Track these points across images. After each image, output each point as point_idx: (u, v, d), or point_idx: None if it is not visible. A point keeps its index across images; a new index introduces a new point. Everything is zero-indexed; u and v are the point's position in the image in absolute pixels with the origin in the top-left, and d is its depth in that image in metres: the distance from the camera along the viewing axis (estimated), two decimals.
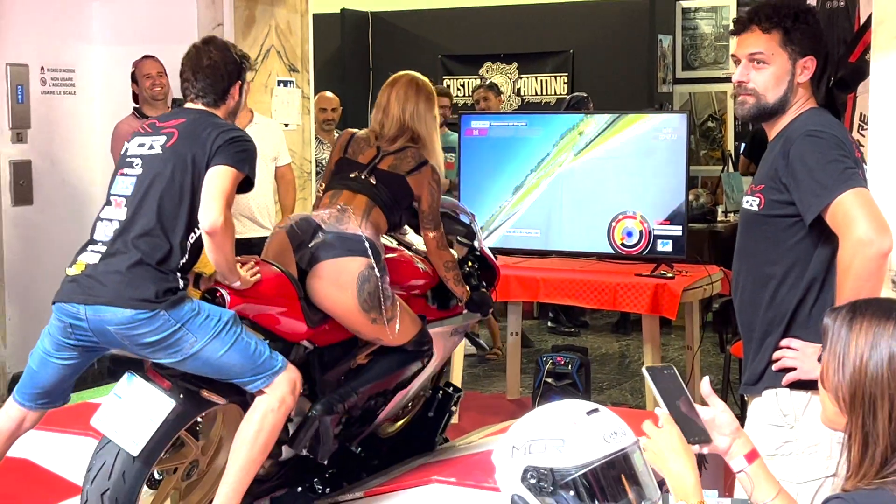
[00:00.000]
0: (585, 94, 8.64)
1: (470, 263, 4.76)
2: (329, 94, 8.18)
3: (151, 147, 3.59)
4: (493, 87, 9.13)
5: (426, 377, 4.67)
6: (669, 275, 5.95)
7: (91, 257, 3.50)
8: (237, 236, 3.72)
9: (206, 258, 3.59)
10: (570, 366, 6.20)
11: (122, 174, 3.61)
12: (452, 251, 4.55)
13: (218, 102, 3.71)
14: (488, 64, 10.89)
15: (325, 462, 4.13)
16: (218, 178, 3.49)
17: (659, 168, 6.09)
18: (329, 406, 3.97)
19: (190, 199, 3.50)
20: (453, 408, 5.02)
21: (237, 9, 6.82)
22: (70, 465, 4.16)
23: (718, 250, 8.07)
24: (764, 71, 2.85)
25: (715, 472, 3.55)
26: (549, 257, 6.56)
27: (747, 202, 2.91)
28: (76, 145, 7.04)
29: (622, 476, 2.48)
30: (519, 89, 10.77)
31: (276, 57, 7.12)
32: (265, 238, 4.48)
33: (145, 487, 3.69)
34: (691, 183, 7.26)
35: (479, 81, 10.32)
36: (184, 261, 3.52)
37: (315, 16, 7.52)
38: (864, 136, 4.41)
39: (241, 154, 3.56)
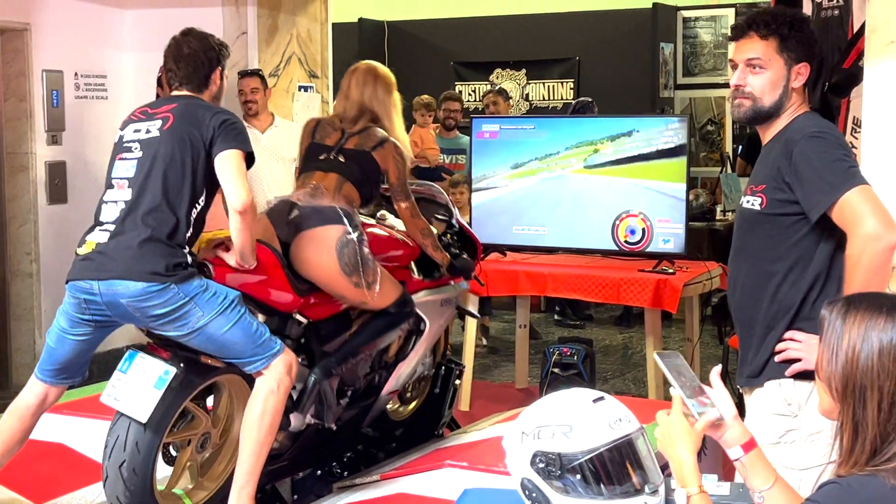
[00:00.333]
0: (590, 99, 8.62)
1: (449, 235, 4.80)
2: None
3: (149, 131, 3.62)
4: (503, 93, 9.12)
5: (424, 349, 4.68)
6: (671, 270, 5.94)
7: (100, 236, 3.52)
8: (257, 236, 3.76)
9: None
10: (575, 357, 6.20)
11: (122, 158, 3.64)
12: (443, 251, 4.58)
13: (201, 88, 3.76)
14: (498, 70, 10.87)
15: (333, 427, 4.16)
16: (231, 161, 3.54)
17: (661, 169, 6.08)
18: (327, 370, 4.02)
19: (191, 175, 3.54)
20: (457, 381, 5.05)
21: (260, 18, 6.83)
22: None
23: (717, 247, 8.05)
24: (761, 75, 2.84)
25: (714, 458, 3.54)
26: (555, 253, 6.55)
27: (748, 202, 2.89)
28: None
29: (626, 461, 2.49)
30: (527, 94, 10.76)
31: (297, 63, 7.13)
32: None
33: (163, 464, 3.72)
34: (691, 183, 7.23)
35: (489, 87, 10.31)
36: (189, 234, 3.55)
37: (334, 25, 7.52)
38: (857, 138, 4.40)
39: (241, 135, 3.62)
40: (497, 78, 10.84)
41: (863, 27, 4.53)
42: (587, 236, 6.30)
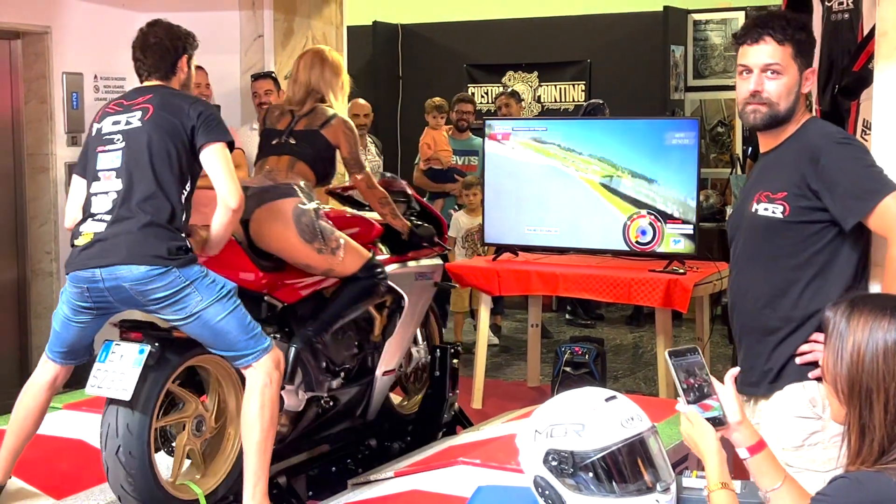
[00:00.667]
0: (601, 101, 8.60)
1: (408, 214, 4.87)
2: (362, 100, 8.18)
3: (129, 122, 3.65)
4: (515, 95, 9.11)
5: (410, 327, 4.74)
6: (681, 270, 5.94)
7: (96, 226, 3.54)
8: None
9: None
10: (587, 356, 6.20)
11: (104, 150, 3.65)
12: (403, 219, 4.68)
13: (169, 75, 3.78)
14: (510, 73, 10.86)
15: (325, 393, 4.24)
16: (219, 156, 3.60)
17: (672, 170, 6.07)
18: (306, 338, 4.09)
19: (178, 163, 3.57)
20: (454, 361, 5.10)
21: (276, 21, 6.84)
22: None
23: (727, 248, 8.01)
24: (778, 81, 2.80)
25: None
26: (567, 254, 6.55)
27: (766, 209, 2.82)
28: None
29: (638, 459, 2.48)
30: (539, 96, 10.75)
31: None
32: None
33: (165, 455, 3.77)
34: (702, 184, 7.21)
35: (501, 89, 10.30)
36: (184, 218, 3.60)
37: (349, 28, 7.52)
38: (867, 140, 4.37)
39: (220, 125, 3.67)
40: (509, 80, 10.83)
41: (873, 30, 4.51)
42: (598, 237, 6.30)
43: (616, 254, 6.33)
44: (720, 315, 7.18)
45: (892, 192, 2.65)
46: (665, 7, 10.01)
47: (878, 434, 1.97)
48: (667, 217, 6.06)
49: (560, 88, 10.66)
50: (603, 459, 2.44)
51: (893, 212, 2.63)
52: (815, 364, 2.76)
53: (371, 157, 8.10)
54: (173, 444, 3.80)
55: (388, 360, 4.66)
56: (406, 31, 11.26)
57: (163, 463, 3.78)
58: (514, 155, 6.52)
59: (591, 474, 2.44)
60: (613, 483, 2.44)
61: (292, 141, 4.37)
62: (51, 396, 3.77)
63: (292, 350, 4.04)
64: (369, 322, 4.64)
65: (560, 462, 2.46)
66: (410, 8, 11.29)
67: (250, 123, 6.49)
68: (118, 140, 3.63)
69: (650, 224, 6.10)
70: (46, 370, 3.74)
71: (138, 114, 3.64)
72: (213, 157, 3.59)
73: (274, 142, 4.40)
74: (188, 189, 3.62)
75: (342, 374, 4.41)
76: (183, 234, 3.56)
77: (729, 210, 9.13)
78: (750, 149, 9.55)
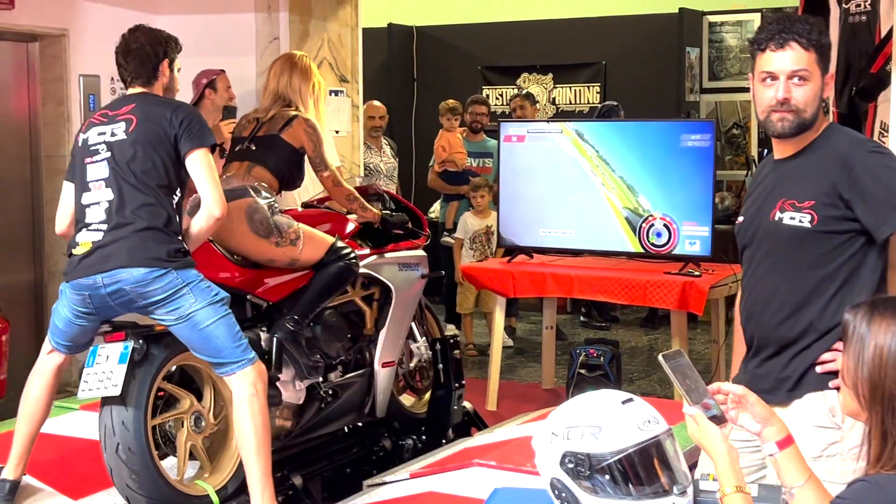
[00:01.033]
0: (616, 103, 8.57)
1: (386, 208, 4.92)
2: (377, 102, 8.20)
3: (114, 134, 3.70)
4: (529, 97, 9.10)
5: (402, 318, 4.80)
6: (697, 273, 5.92)
7: (93, 235, 3.61)
8: None
9: None
10: (602, 358, 6.19)
11: (91, 162, 3.71)
12: (373, 208, 4.73)
13: (151, 80, 3.83)
14: (525, 74, 10.86)
15: (320, 380, 4.32)
16: (202, 163, 3.67)
17: (687, 172, 6.05)
18: (283, 326, 4.16)
19: (165, 173, 3.65)
20: (455, 352, 5.15)
21: (292, 23, 6.85)
22: None
23: None
24: (805, 87, 2.73)
25: None
26: (582, 256, 6.54)
27: (792, 218, 2.76)
28: None
29: (655, 462, 2.47)
30: (554, 98, 10.74)
31: (328, 68, 7.15)
32: None
33: (174, 459, 3.80)
34: (717, 187, 7.19)
35: (516, 91, 10.30)
36: (178, 221, 3.68)
37: (364, 30, 7.53)
38: (884, 142, 4.36)
39: (203, 129, 3.72)
40: (524, 82, 10.82)
41: (890, 32, 4.50)
42: (613, 239, 6.28)
43: (631, 256, 6.32)
44: None
45: None
46: (680, 9, 9.99)
47: None
48: (682, 219, 6.05)
49: (575, 90, 10.65)
50: (619, 462, 2.43)
51: None
52: (835, 374, 2.71)
53: (386, 159, 8.12)
54: (175, 444, 3.85)
55: (385, 351, 4.72)
56: (421, 33, 11.27)
57: (173, 470, 3.81)
58: (529, 157, 6.51)
59: (607, 477, 2.44)
60: (630, 485, 2.44)
61: (253, 147, 4.46)
62: (58, 382, 3.84)
63: (274, 340, 4.12)
64: (360, 315, 4.70)
65: (577, 464, 2.45)
66: (425, 10, 11.30)
67: None
68: (103, 150, 3.70)
69: (665, 226, 6.09)
70: (52, 357, 3.81)
71: (122, 125, 3.71)
72: (197, 164, 3.67)
73: (237, 148, 4.51)
74: (178, 195, 3.70)
75: (339, 366, 4.50)
76: (179, 237, 3.64)
77: None
78: (766, 150, 9.53)
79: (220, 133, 5.09)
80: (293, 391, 4.23)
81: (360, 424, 4.93)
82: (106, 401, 3.63)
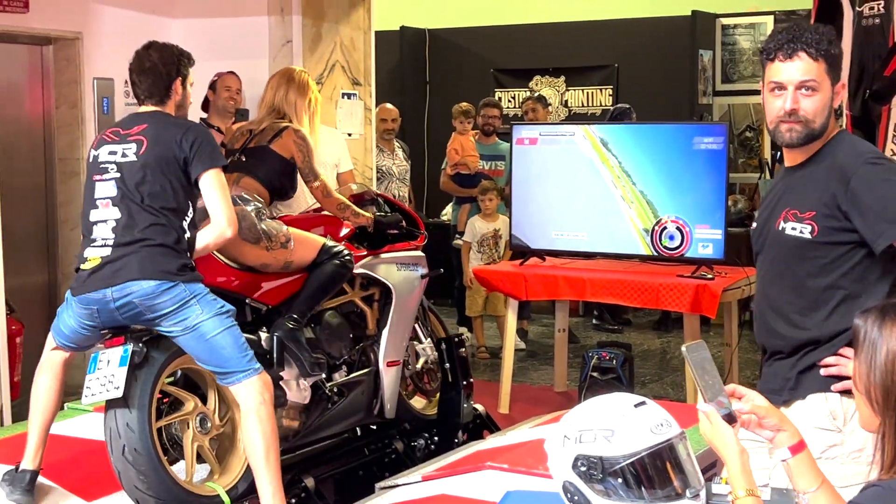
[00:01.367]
0: (628, 106, 8.56)
1: (381, 212, 4.97)
2: (389, 105, 8.21)
3: (124, 154, 3.75)
4: (541, 100, 9.10)
5: (405, 318, 4.84)
6: (709, 276, 5.91)
7: (102, 251, 3.66)
8: None
9: None
10: (614, 361, 6.18)
11: (100, 179, 3.76)
12: (366, 213, 4.77)
13: (164, 100, 3.88)
14: (537, 77, 10.86)
15: (323, 376, 4.36)
16: (214, 183, 3.74)
17: (700, 175, 6.05)
18: (283, 325, 4.20)
19: (173, 195, 3.70)
20: (461, 350, 5.17)
21: (305, 27, 6.87)
22: None
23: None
24: (814, 98, 2.71)
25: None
26: (594, 259, 6.54)
27: (793, 229, 2.75)
28: None
29: (668, 465, 2.47)
30: (566, 101, 10.73)
31: (341, 71, 7.16)
32: None
33: (183, 467, 3.83)
34: (730, 189, 7.18)
35: (528, 94, 10.29)
36: (188, 238, 3.74)
37: (377, 33, 7.54)
38: None
39: (214, 151, 3.79)
40: (536, 85, 10.82)
41: None
42: (626, 241, 6.28)
43: (644, 259, 6.31)
44: (748, 321, 7.13)
45: None
46: (693, 11, 9.98)
47: None
48: (695, 222, 6.04)
49: (587, 93, 10.65)
50: (632, 465, 2.43)
51: None
52: (838, 378, 2.72)
53: (398, 162, 8.13)
54: (181, 446, 3.88)
55: (389, 350, 4.76)
56: (433, 36, 11.28)
57: (183, 474, 3.83)
58: (542, 160, 6.51)
59: (620, 480, 2.44)
60: (643, 489, 2.43)
61: (243, 158, 4.50)
62: (65, 373, 3.88)
63: (274, 338, 4.17)
64: (361, 316, 4.74)
65: (589, 467, 2.45)
66: (438, 13, 11.31)
67: None
68: (113, 170, 3.74)
69: (678, 229, 6.08)
70: (56, 353, 3.86)
71: (133, 146, 3.75)
72: (209, 185, 3.74)
73: (228, 160, 4.51)
74: (190, 216, 3.76)
75: (343, 366, 4.56)
76: (188, 254, 3.71)
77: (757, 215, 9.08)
78: (778, 153, 9.51)
79: (244, 125, 5.10)
80: (297, 390, 4.27)
81: (372, 427, 4.94)
82: (110, 404, 3.67)
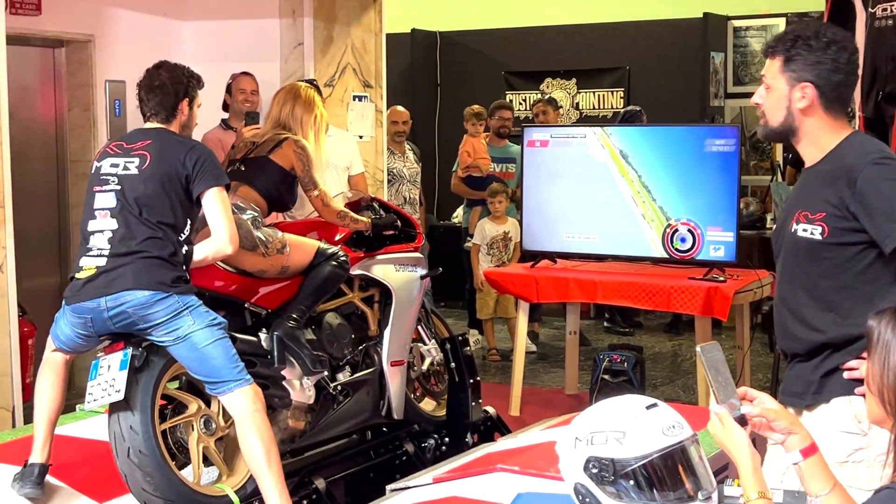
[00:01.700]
0: (639, 108, 8.55)
1: (377, 215, 4.97)
2: (400, 108, 8.22)
3: (126, 168, 3.80)
4: (552, 102, 9.10)
5: (407, 319, 4.86)
6: (721, 278, 5.89)
7: (97, 261, 3.71)
8: None
9: None
10: (625, 363, 6.17)
11: (100, 190, 3.81)
12: (364, 218, 4.79)
13: (170, 118, 3.94)
14: (549, 80, 10.85)
15: (325, 372, 4.38)
16: (218, 201, 3.81)
17: (712, 177, 6.04)
18: (282, 324, 4.23)
19: (172, 211, 3.77)
20: (465, 349, 5.18)
21: (316, 29, 6.88)
22: None
23: (768, 256, 7.96)
24: (769, 95, 2.80)
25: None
26: (605, 261, 6.53)
27: (803, 230, 2.76)
28: None
29: (679, 467, 2.47)
30: (577, 103, 10.72)
31: (352, 73, 7.17)
32: None
33: (191, 470, 3.84)
34: (742, 192, 7.17)
35: (539, 96, 10.29)
36: (185, 251, 3.78)
37: (388, 35, 7.55)
38: None
39: (216, 169, 3.85)
40: (547, 87, 10.82)
41: None
42: (637, 244, 6.27)
43: (655, 261, 6.30)
44: (760, 323, 7.12)
45: None
46: (705, 13, 9.96)
47: None
48: (707, 224, 6.03)
49: (599, 95, 10.64)
50: (644, 467, 2.43)
51: None
52: (861, 381, 2.69)
53: (409, 164, 8.13)
54: (187, 448, 3.89)
55: (392, 350, 4.79)
56: (444, 39, 11.28)
57: (191, 478, 3.85)
58: (553, 162, 6.51)
59: (631, 482, 2.43)
60: (654, 491, 2.43)
61: (242, 168, 4.54)
62: (68, 371, 3.91)
63: (274, 337, 4.19)
64: (362, 317, 4.78)
65: (601, 469, 2.45)
66: (449, 15, 11.31)
67: None
68: (113, 182, 3.79)
69: (689, 231, 6.07)
70: (57, 354, 3.88)
71: (136, 160, 3.80)
72: (211, 202, 3.80)
73: (228, 170, 4.59)
74: (187, 232, 3.82)
75: (347, 366, 4.60)
76: (185, 267, 3.76)
77: (769, 217, 9.07)
78: (790, 155, 9.48)
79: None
80: (301, 390, 4.29)
81: (383, 429, 4.95)
82: (113, 408, 3.70)
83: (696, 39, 9.99)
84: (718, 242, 6.01)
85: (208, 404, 4.00)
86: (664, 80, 10.07)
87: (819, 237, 2.72)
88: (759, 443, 2.51)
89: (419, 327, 5.12)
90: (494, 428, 5.33)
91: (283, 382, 4.20)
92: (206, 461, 3.97)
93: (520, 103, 10.76)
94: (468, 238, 8.25)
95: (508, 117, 8.56)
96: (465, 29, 11.16)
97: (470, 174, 8.35)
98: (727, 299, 5.71)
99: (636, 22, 10.35)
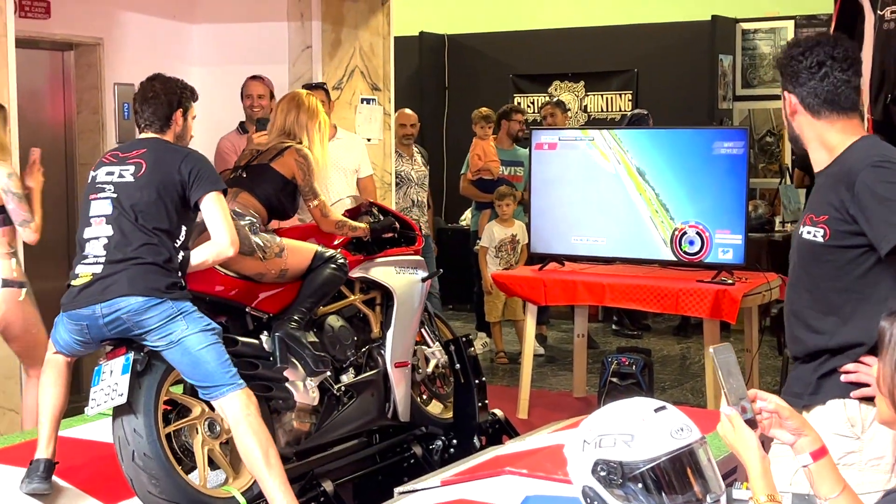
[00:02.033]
0: (646, 111, 8.54)
1: (375, 220, 4.99)
2: (408, 110, 8.22)
3: (122, 175, 3.84)
4: (560, 105, 9.10)
5: (409, 321, 4.87)
6: (730, 281, 5.89)
7: (93, 268, 3.74)
8: None
9: None
10: (634, 366, 6.16)
11: (96, 198, 3.84)
12: (362, 224, 4.79)
13: (164, 129, 3.99)
14: (557, 82, 10.85)
15: (328, 372, 4.37)
16: (217, 206, 3.85)
17: (720, 180, 6.03)
18: (282, 326, 4.25)
19: (167, 218, 3.80)
20: (470, 350, 5.19)
21: (324, 32, 6.90)
22: None
23: (776, 258, 7.96)
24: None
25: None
26: (614, 264, 6.53)
27: (809, 233, 2.77)
28: None
29: (688, 470, 2.46)
30: (586, 106, 10.72)
31: (360, 76, 7.19)
32: None
33: (197, 473, 3.85)
34: (750, 195, 7.16)
35: (547, 99, 10.29)
36: (181, 258, 3.82)
37: (396, 38, 7.57)
38: None
39: (212, 175, 3.91)
40: (556, 90, 10.82)
41: None
42: (645, 247, 6.26)
43: (663, 264, 6.29)
44: (769, 326, 7.11)
45: None
46: (713, 16, 9.96)
47: None
48: (715, 227, 6.02)
49: (607, 98, 10.63)
50: (652, 470, 2.42)
51: None
52: (858, 385, 2.70)
53: (417, 167, 8.14)
54: (192, 452, 3.91)
55: (396, 352, 4.80)
56: (452, 42, 11.29)
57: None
58: (561, 165, 6.51)
59: (640, 485, 2.43)
60: (663, 494, 2.42)
61: (244, 175, 4.56)
62: (70, 370, 3.94)
63: (275, 337, 4.21)
64: (364, 319, 4.80)
65: (609, 472, 2.44)
66: (457, 18, 11.32)
67: None
68: (108, 189, 3.83)
69: (698, 234, 6.06)
70: (59, 356, 3.90)
71: (131, 168, 3.84)
72: (211, 208, 3.85)
73: (230, 177, 4.62)
74: (182, 238, 3.85)
75: (351, 368, 4.61)
76: (179, 273, 3.79)
77: (778, 220, 9.06)
78: (796, 158, 9.47)
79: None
80: (304, 391, 4.29)
81: (390, 432, 4.95)
82: (116, 412, 3.72)
83: (705, 42, 9.99)
84: (727, 245, 6.00)
85: (212, 407, 4.01)
86: (672, 82, 10.06)
87: (821, 240, 2.74)
88: (764, 445, 2.51)
89: (422, 330, 5.13)
90: (502, 431, 5.32)
91: (287, 384, 4.22)
92: (213, 464, 3.98)
93: (528, 106, 10.76)
94: (478, 240, 8.26)
95: (520, 120, 8.60)
96: (473, 32, 11.17)
97: (481, 177, 8.36)
98: (736, 302, 5.71)
99: (644, 24, 10.35)
